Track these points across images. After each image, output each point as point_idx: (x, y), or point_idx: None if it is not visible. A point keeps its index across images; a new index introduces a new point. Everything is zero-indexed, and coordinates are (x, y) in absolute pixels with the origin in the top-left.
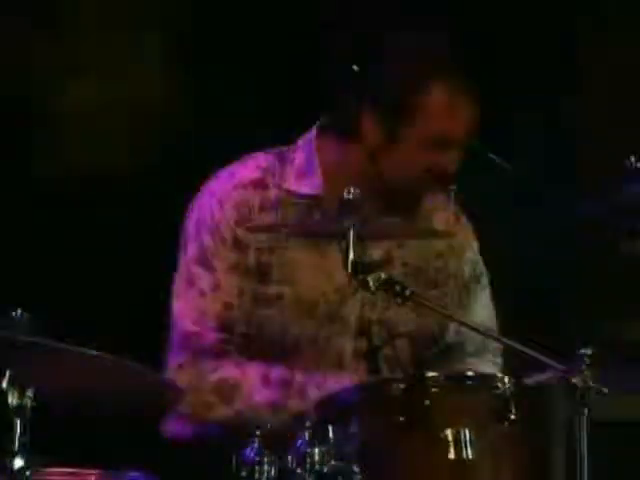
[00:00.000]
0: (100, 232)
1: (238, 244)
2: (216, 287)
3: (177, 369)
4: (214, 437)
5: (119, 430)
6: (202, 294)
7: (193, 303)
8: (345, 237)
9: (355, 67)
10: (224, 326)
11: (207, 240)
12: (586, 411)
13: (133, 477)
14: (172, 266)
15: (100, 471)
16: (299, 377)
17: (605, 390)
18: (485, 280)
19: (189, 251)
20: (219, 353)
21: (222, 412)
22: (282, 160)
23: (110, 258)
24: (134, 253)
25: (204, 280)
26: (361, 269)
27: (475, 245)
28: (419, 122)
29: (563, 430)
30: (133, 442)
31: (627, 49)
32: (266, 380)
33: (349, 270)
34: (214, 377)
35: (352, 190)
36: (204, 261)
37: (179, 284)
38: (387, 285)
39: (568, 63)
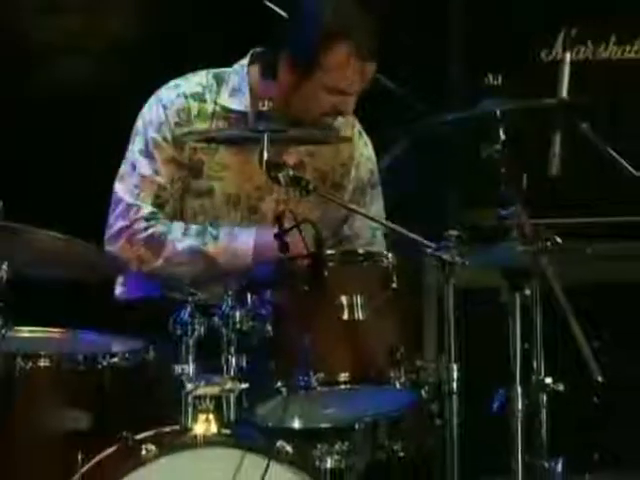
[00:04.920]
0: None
1: (176, 142)
2: (154, 172)
3: (117, 233)
4: (155, 302)
5: (74, 296)
6: (142, 176)
7: (134, 183)
8: (260, 142)
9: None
10: (157, 203)
11: (151, 135)
12: (452, 281)
13: (86, 333)
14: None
15: (61, 329)
16: (212, 228)
17: (467, 263)
18: (379, 186)
19: (136, 143)
20: (152, 221)
21: (153, 264)
22: (219, 80)
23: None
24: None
25: (145, 166)
26: (273, 167)
27: (373, 157)
28: (321, 74)
29: (434, 297)
30: (85, 306)
31: None
32: (186, 231)
33: (263, 168)
34: (146, 234)
35: (266, 103)
36: (147, 152)
37: (124, 168)
38: (295, 180)
39: None
